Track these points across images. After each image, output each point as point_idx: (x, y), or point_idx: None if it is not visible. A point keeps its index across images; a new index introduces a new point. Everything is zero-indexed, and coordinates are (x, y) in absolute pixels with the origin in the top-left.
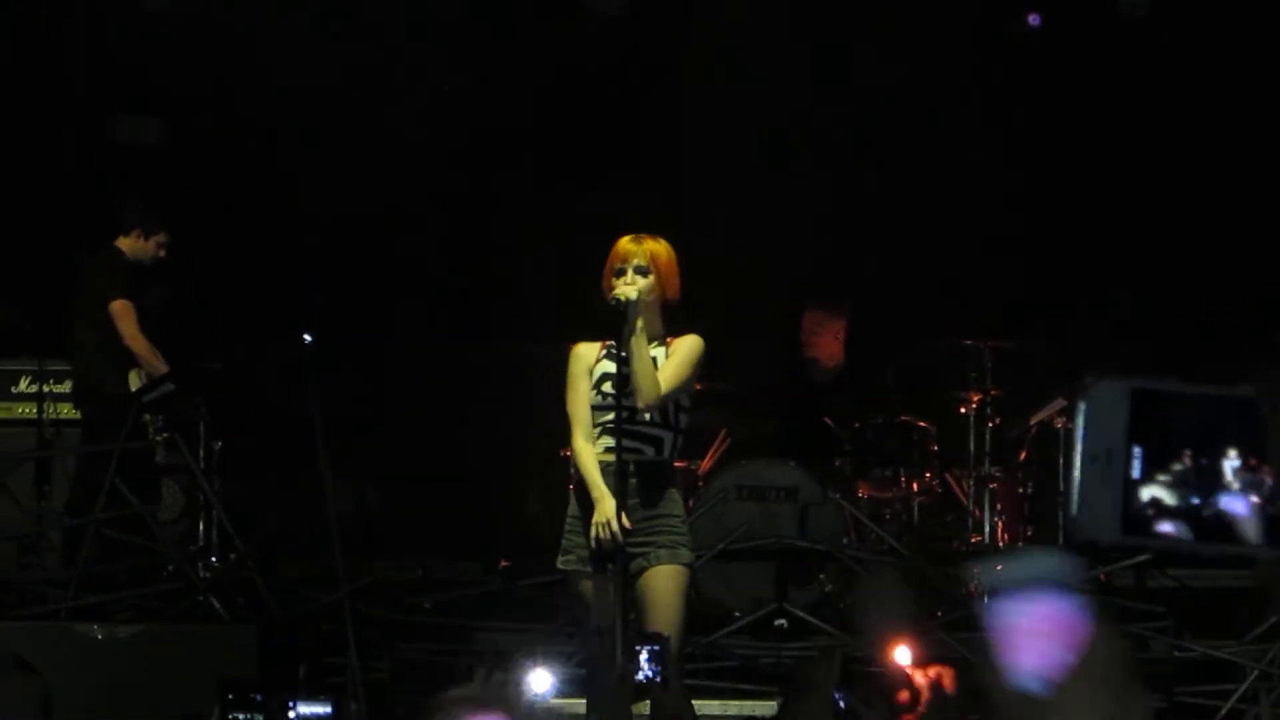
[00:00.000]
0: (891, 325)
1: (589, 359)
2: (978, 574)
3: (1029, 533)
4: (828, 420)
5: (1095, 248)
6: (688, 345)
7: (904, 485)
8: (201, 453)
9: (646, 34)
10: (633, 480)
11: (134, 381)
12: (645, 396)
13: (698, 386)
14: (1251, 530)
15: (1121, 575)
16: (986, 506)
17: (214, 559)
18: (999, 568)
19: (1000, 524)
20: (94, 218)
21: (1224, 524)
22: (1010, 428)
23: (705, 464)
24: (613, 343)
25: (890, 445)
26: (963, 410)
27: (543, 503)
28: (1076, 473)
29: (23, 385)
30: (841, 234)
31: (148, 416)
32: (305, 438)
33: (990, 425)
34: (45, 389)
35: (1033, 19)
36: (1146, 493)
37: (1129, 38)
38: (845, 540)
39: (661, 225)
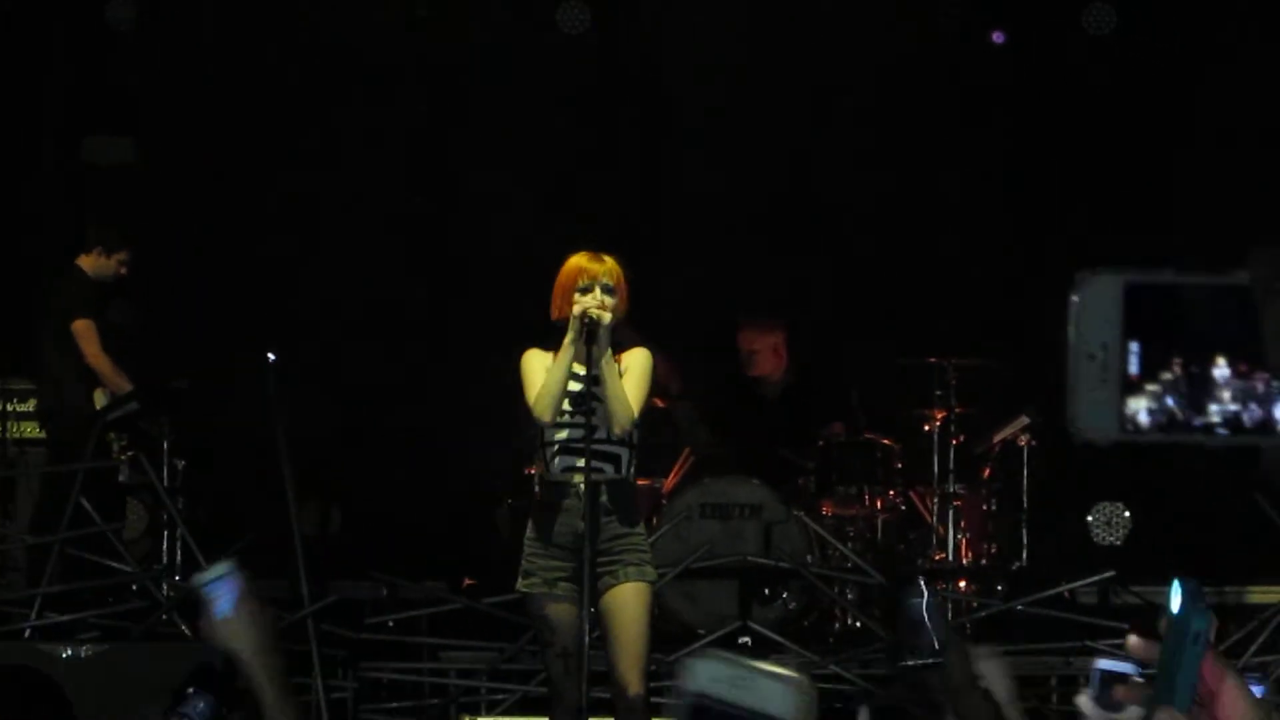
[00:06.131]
0: (855, 342)
1: (548, 361)
2: None
3: (992, 550)
4: (782, 451)
5: (1061, 265)
6: (641, 360)
7: (868, 503)
8: (165, 471)
9: (613, 49)
10: (602, 499)
11: (99, 400)
12: (620, 422)
13: (659, 403)
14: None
15: (1086, 592)
16: (950, 524)
17: (178, 578)
18: None
19: (964, 541)
20: (59, 237)
21: (1225, 420)
22: (974, 445)
23: (669, 482)
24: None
25: (854, 463)
26: (926, 428)
27: (508, 522)
28: (1071, 371)
29: None
30: (805, 249)
31: (112, 435)
32: (269, 456)
33: (954, 443)
34: (9, 408)
35: (997, 36)
36: (1140, 402)
37: (1097, 53)
38: (809, 558)
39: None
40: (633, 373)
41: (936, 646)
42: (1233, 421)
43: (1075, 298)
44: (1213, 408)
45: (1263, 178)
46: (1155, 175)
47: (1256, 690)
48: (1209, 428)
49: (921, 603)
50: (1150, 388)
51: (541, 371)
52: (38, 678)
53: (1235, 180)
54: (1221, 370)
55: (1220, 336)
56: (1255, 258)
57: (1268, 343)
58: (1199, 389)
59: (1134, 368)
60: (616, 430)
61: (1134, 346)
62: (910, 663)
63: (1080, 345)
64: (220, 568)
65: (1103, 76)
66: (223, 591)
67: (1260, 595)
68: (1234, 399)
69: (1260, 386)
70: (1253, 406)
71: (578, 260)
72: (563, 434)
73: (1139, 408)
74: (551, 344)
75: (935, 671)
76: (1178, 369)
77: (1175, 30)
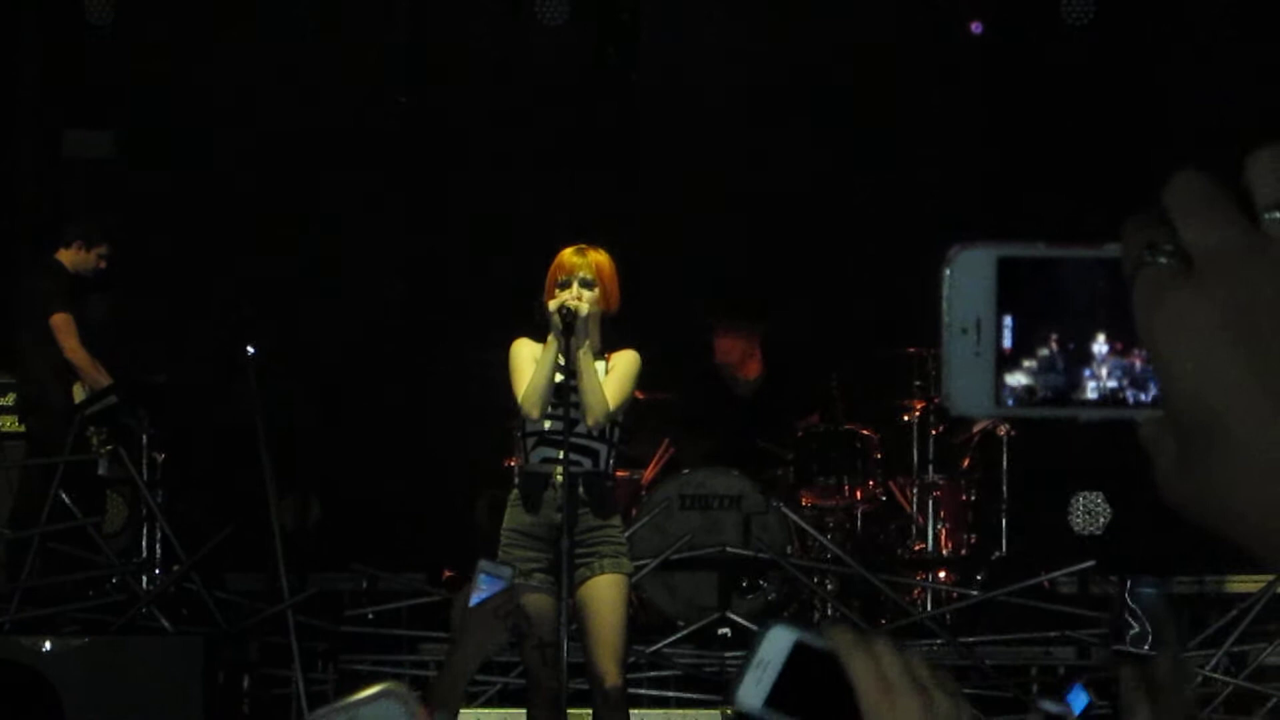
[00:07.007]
0: (835, 333)
1: (535, 352)
2: None
3: (972, 540)
4: (760, 442)
5: None
6: (628, 361)
7: (847, 493)
8: (144, 465)
9: (593, 41)
10: (579, 492)
11: (78, 394)
12: (594, 414)
13: (639, 395)
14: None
15: (1065, 582)
16: (930, 514)
17: (158, 571)
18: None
19: (944, 531)
20: (37, 231)
21: (1102, 395)
22: (953, 435)
23: (648, 474)
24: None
25: (833, 453)
26: (906, 418)
27: (487, 513)
28: (945, 347)
29: None
30: (785, 238)
31: (91, 429)
32: (249, 449)
33: (934, 433)
34: None
35: (975, 27)
36: (1016, 376)
37: (1076, 44)
38: (789, 549)
39: (613, 234)
40: (616, 371)
41: (1153, 641)
42: (1109, 397)
43: (947, 271)
44: (1090, 383)
45: (1240, 167)
46: (1133, 164)
47: None
48: (1085, 403)
49: (1154, 595)
50: (1026, 363)
51: (528, 362)
52: (25, 673)
53: (1214, 170)
54: (1099, 345)
55: (1097, 311)
56: (1126, 229)
57: (1136, 316)
58: (1075, 364)
59: (1008, 343)
60: (589, 422)
61: (1008, 321)
62: (1124, 649)
63: (953, 320)
64: (506, 571)
65: (1082, 67)
66: (484, 587)
67: (1239, 584)
68: (1111, 374)
69: (1137, 362)
70: (1129, 381)
71: (561, 255)
72: (543, 425)
73: (1014, 383)
74: (539, 333)
75: (1142, 664)
76: (1054, 344)
77: (1154, 20)
